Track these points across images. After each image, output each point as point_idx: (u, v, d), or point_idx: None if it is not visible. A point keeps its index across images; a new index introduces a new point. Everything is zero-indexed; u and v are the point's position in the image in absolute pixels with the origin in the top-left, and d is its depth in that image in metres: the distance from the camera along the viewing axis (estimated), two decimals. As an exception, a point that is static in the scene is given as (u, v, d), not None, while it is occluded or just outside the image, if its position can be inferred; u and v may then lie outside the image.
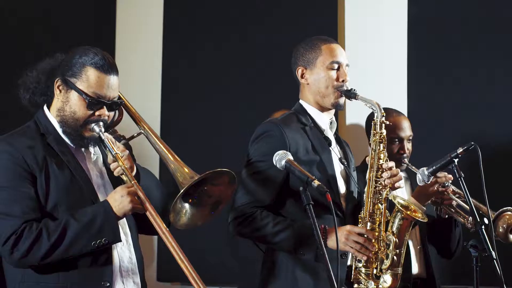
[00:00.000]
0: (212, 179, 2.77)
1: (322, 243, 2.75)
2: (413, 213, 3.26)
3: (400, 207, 3.23)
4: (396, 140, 3.93)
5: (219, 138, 4.77)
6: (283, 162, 2.91)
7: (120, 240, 2.70)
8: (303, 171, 2.85)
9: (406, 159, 3.94)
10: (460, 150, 3.34)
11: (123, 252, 2.78)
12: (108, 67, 2.74)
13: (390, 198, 3.24)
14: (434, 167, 3.45)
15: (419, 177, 3.50)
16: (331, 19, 4.75)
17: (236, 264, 4.31)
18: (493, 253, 3.18)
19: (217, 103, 4.81)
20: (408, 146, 3.97)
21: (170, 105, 4.89)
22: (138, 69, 4.85)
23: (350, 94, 3.24)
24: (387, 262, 3.17)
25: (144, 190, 2.70)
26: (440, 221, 3.86)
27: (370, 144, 3.29)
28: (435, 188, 3.60)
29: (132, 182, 2.68)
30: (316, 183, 2.77)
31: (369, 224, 3.18)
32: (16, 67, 4.62)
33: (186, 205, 2.77)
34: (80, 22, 4.87)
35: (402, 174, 3.99)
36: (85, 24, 4.89)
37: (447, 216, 3.77)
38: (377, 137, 3.24)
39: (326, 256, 2.72)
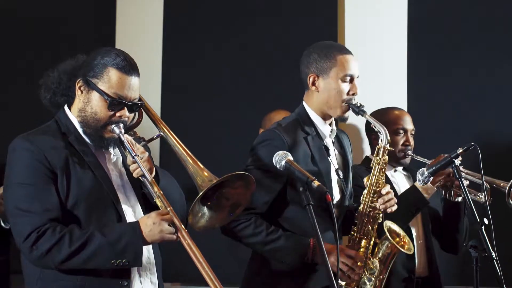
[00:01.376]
0: (231, 182, 2.76)
1: (321, 241, 2.75)
2: (401, 243, 3.26)
3: (389, 236, 3.24)
4: (401, 131, 3.92)
5: (219, 138, 4.76)
6: (283, 163, 2.92)
7: (140, 265, 2.67)
8: (303, 171, 2.85)
9: (410, 151, 3.93)
10: (460, 150, 3.35)
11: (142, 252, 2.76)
12: (130, 68, 2.75)
13: (383, 224, 3.25)
14: (434, 167, 3.46)
15: (419, 177, 3.51)
16: (331, 19, 4.75)
17: (237, 265, 4.30)
18: (493, 253, 3.19)
19: (217, 103, 4.81)
20: (411, 139, 3.96)
21: (170, 105, 4.88)
22: (138, 69, 4.84)
23: (359, 111, 3.22)
24: (369, 287, 3.21)
25: (163, 191, 2.68)
26: (447, 210, 3.84)
27: (371, 166, 3.28)
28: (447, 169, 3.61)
29: (168, 208, 2.63)
30: (316, 183, 2.78)
31: (357, 243, 3.22)
32: (15, 67, 4.66)
33: (205, 208, 2.76)
34: (80, 22, 4.87)
35: (403, 172, 4.02)
36: (85, 23, 4.89)
37: (458, 199, 3.74)
38: (379, 162, 3.26)
39: (325, 251, 2.74)
